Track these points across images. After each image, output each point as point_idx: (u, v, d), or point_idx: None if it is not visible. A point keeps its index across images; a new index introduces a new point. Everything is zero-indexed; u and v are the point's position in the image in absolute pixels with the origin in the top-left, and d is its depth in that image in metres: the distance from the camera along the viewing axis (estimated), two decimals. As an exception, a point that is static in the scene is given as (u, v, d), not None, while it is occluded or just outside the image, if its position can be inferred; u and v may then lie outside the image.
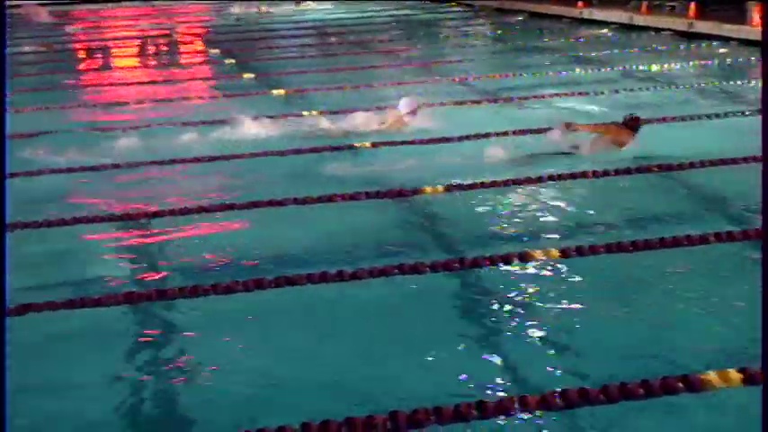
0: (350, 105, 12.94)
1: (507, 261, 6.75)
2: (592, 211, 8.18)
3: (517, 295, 6.33)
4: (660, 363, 5.23)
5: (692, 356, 5.31)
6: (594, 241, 7.07)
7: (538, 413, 4.69)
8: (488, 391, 4.99)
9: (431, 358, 5.49)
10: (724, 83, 14.51)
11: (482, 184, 8.71)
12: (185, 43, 25.06)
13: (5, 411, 3.41)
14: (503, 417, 4.63)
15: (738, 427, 4.67)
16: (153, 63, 21.55)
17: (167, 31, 27.15)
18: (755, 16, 19.51)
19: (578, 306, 6.16)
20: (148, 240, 7.75)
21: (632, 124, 9.94)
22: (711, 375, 4.84)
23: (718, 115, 11.70)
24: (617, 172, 8.94)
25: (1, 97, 3.36)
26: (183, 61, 21.47)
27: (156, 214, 8.19)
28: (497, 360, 5.50)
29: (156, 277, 6.89)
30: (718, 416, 4.75)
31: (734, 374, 4.85)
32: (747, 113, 11.73)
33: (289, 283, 6.35)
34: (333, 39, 24.17)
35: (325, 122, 11.90)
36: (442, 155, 10.15)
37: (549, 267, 6.73)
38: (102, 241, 7.74)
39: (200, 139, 11.13)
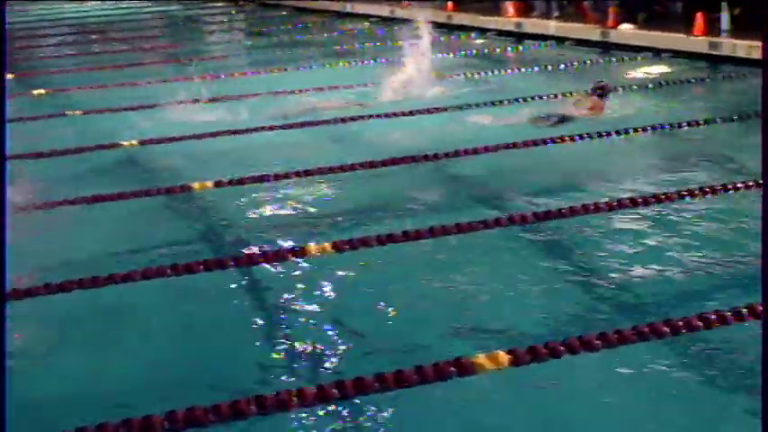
0: (113, 104, 12.72)
1: (282, 257, 6.78)
2: (362, 204, 8.30)
3: (294, 290, 6.37)
4: (432, 346, 5.39)
5: (466, 341, 5.48)
6: (368, 233, 7.17)
7: (317, 406, 4.75)
8: (266, 386, 5.02)
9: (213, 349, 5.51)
10: (483, 72, 14.94)
11: (251, 179, 8.74)
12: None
13: (5, 411, 3.26)
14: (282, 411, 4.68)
15: (505, 409, 4.86)
16: None
17: None
18: (510, 8, 20.24)
19: (351, 298, 6.25)
20: None
21: (600, 92, 11.11)
22: (481, 358, 5.02)
23: (478, 105, 12.10)
24: (384, 163, 9.13)
25: (1, 95, 3.18)
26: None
27: None
28: (279, 354, 5.53)
29: None
30: (486, 399, 4.92)
31: (503, 356, 5.04)
32: (507, 102, 12.16)
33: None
34: (95, 36, 23.59)
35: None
36: (215, 149, 10.12)
37: (323, 262, 6.80)
38: None
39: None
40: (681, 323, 5.34)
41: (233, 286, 6.48)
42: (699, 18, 15.88)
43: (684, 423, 4.62)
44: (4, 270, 3.43)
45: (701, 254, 6.70)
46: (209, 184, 8.68)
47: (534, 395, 4.89)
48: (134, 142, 10.55)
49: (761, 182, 8.10)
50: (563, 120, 10.82)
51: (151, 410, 4.58)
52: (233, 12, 29.53)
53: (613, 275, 6.41)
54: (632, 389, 4.92)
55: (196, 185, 8.66)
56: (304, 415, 4.69)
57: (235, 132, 10.86)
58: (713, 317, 5.40)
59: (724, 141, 10.15)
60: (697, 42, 15.74)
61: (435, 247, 6.99)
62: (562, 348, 5.08)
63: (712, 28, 16.02)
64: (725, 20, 15.95)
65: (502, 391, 4.92)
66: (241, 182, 8.72)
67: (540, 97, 12.38)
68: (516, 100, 12.27)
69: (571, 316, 5.80)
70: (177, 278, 6.42)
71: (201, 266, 6.55)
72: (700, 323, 5.35)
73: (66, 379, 5.26)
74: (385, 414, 4.75)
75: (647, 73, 14.73)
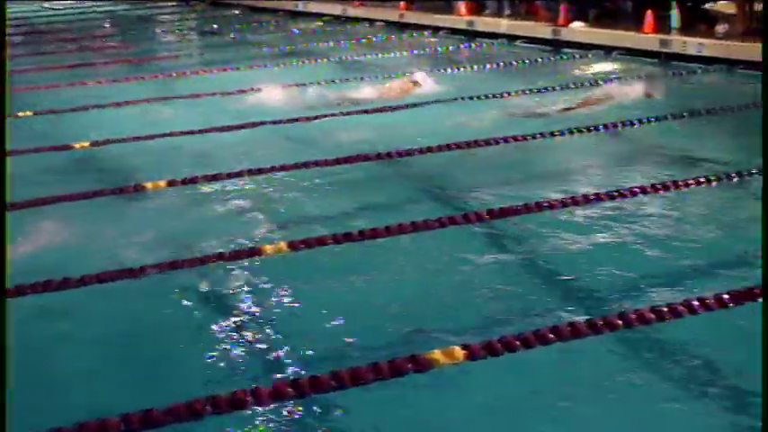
0: (65, 104, 12.62)
1: (237, 257, 6.76)
2: (318, 203, 8.29)
3: (249, 290, 6.36)
4: (388, 344, 5.40)
5: (421, 338, 5.49)
6: (323, 233, 7.15)
7: (273, 405, 4.75)
8: (221, 386, 5.00)
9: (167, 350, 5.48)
10: (436, 70, 14.97)
11: (205, 179, 8.70)
12: None
13: (5, 411, 3.23)
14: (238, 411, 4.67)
15: (461, 404, 4.88)
16: None
17: None
18: (462, 7, 20.31)
19: (307, 297, 6.24)
20: None
21: None
22: (437, 354, 5.04)
23: (429, 103, 12.13)
24: (338, 161, 9.13)
25: (1, 97, 3.13)
26: None
27: None
28: (235, 353, 5.51)
29: None
30: (446, 394, 4.94)
31: (458, 351, 5.07)
32: (460, 100, 12.21)
33: None
34: (45, 36, 23.38)
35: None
36: (168, 148, 10.08)
37: (278, 261, 6.78)
38: None
39: None
40: (634, 316, 5.39)
41: (187, 287, 6.45)
42: (649, 16, 16.01)
43: (637, 416, 4.65)
44: (4, 270, 3.42)
45: (653, 249, 6.76)
46: (163, 183, 8.63)
47: (489, 389, 4.91)
48: (85, 143, 10.47)
49: (711, 178, 8.20)
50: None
51: (106, 413, 4.55)
52: (184, 11, 29.40)
53: (567, 271, 6.45)
54: (587, 382, 4.96)
55: (149, 185, 8.60)
56: (260, 414, 4.68)
57: (188, 132, 10.82)
58: (665, 309, 5.45)
59: (675, 138, 10.23)
60: (647, 40, 15.87)
61: (391, 246, 7.00)
62: (517, 343, 5.11)
63: (662, 25, 16.18)
64: (675, 17, 16.10)
65: (458, 386, 4.94)
66: (194, 181, 8.68)
67: (494, 95, 12.44)
68: (470, 98, 12.31)
69: (526, 310, 5.83)
70: (132, 280, 6.39)
71: (156, 268, 6.51)
72: (652, 316, 5.40)
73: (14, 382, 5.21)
74: (341, 412, 4.75)
75: (598, 70, 14.83)
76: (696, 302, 5.52)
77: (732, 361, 5.09)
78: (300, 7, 25.69)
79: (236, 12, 27.61)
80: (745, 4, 15.42)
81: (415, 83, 13.16)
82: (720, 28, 15.27)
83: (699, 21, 16.04)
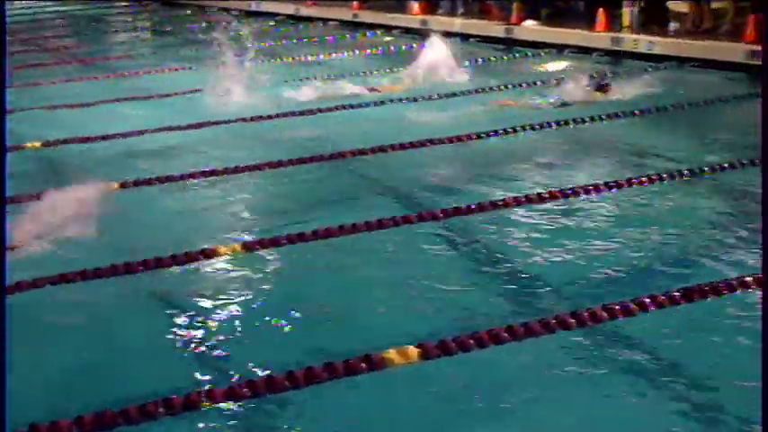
0: (16, 105, 12.47)
1: (192, 258, 6.73)
2: (272, 204, 8.28)
3: (204, 291, 6.34)
4: (343, 343, 5.40)
5: (372, 336, 5.50)
6: (277, 233, 7.15)
7: (225, 406, 4.74)
8: (175, 388, 4.98)
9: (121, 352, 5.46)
10: (388, 70, 14.98)
11: (158, 180, 8.66)
12: None
13: (5, 411, 3.19)
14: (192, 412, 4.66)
15: (415, 404, 4.89)
16: None
17: None
18: (415, 6, 20.35)
19: (261, 298, 6.24)
20: None
21: (605, 89, 11.85)
22: (392, 353, 5.05)
23: (384, 102, 12.16)
24: (291, 162, 9.13)
25: (1, 97, 3.09)
26: None
27: None
28: (189, 354, 5.50)
29: None
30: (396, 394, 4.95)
31: (412, 351, 5.09)
32: (414, 99, 12.24)
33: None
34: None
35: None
36: (120, 149, 10.03)
37: (233, 262, 6.77)
38: None
39: None
40: (587, 314, 5.43)
41: (142, 289, 6.42)
42: (600, 14, 16.14)
43: (590, 413, 4.69)
44: (4, 269, 3.38)
45: (606, 247, 6.81)
46: (115, 185, 8.58)
47: (443, 389, 4.93)
48: (37, 144, 10.39)
49: (663, 175, 8.28)
50: (564, 104, 11.61)
51: (59, 415, 4.53)
52: (136, 11, 29.22)
53: (521, 270, 6.49)
54: (540, 381, 4.99)
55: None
56: (214, 415, 4.67)
57: (141, 132, 10.77)
58: (617, 308, 5.50)
59: (626, 136, 10.32)
60: (599, 38, 15.99)
61: (346, 245, 7.01)
62: (471, 342, 5.14)
63: (614, 24, 16.31)
64: (627, 16, 16.25)
65: (412, 385, 4.95)
66: (148, 182, 8.63)
67: (447, 95, 12.49)
68: (424, 98, 12.35)
69: (479, 310, 5.85)
70: (84, 282, 6.34)
71: (110, 271, 6.47)
72: (605, 314, 5.45)
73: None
74: (296, 412, 4.75)
75: (550, 69, 14.91)
76: (647, 299, 5.57)
77: (681, 357, 5.15)
78: (253, 7, 25.62)
79: (189, 11, 27.48)
80: (697, 3, 15.61)
81: (372, 89, 13.14)
82: (671, 26, 15.44)
83: (659, 19, 16.21)
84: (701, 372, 4.98)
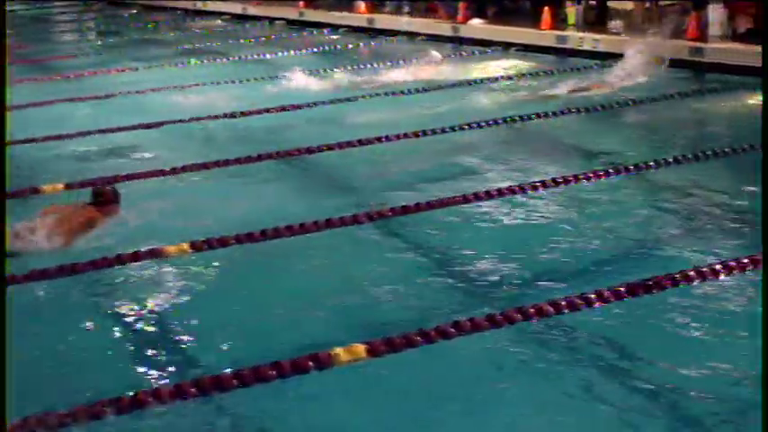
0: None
1: (139, 258, 6.71)
2: (219, 203, 8.24)
3: (152, 291, 6.32)
4: (291, 342, 5.41)
5: (324, 335, 5.51)
6: (225, 234, 7.10)
7: (175, 404, 4.74)
8: (124, 387, 4.96)
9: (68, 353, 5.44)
10: (335, 68, 14.96)
11: (106, 181, 8.60)
12: None
13: (5, 411, 3.14)
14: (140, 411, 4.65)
15: (362, 400, 4.91)
16: None
17: None
18: (362, 5, 20.37)
19: (209, 297, 6.24)
20: None
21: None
22: (339, 350, 5.07)
23: (340, 100, 12.17)
24: (248, 159, 9.13)
25: (1, 97, 3.04)
26: None
27: None
28: (137, 354, 5.48)
29: None
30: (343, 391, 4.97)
31: (359, 348, 5.11)
32: (361, 98, 12.26)
33: None
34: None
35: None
36: (66, 150, 9.98)
37: (181, 262, 6.75)
38: None
39: None
40: (532, 309, 5.49)
41: (89, 289, 6.39)
42: (546, 13, 16.26)
43: (537, 406, 4.74)
44: (4, 267, 3.38)
45: (551, 243, 6.87)
46: (60, 186, 8.51)
47: (391, 385, 4.96)
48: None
49: (610, 171, 8.37)
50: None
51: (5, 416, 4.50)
52: (81, 10, 28.97)
53: (467, 266, 6.54)
54: (486, 375, 5.04)
55: (47, 188, 8.47)
56: (163, 414, 4.66)
57: (88, 133, 10.69)
58: (563, 303, 5.56)
59: (572, 133, 10.41)
60: (544, 36, 16.10)
61: (295, 244, 7.01)
62: (418, 338, 5.17)
63: (559, 22, 16.44)
64: (572, 14, 16.41)
65: (359, 382, 4.98)
66: (94, 183, 8.56)
67: (394, 93, 12.54)
68: (371, 95, 12.38)
69: (426, 306, 5.90)
70: (31, 283, 6.30)
71: (57, 271, 6.43)
72: (551, 308, 5.50)
73: None
74: (244, 410, 4.76)
75: (496, 67, 14.98)
76: (593, 295, 5.63)
77: (630, 350, 5.22)
78: (199, 6, 25.50)
79: (134, 11, 27.30)
80: (642, 1, 15.83)
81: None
82: (616, 24, 15.59)
83: (604, 17, 16.38)
84: (645, 360, 5.06)
